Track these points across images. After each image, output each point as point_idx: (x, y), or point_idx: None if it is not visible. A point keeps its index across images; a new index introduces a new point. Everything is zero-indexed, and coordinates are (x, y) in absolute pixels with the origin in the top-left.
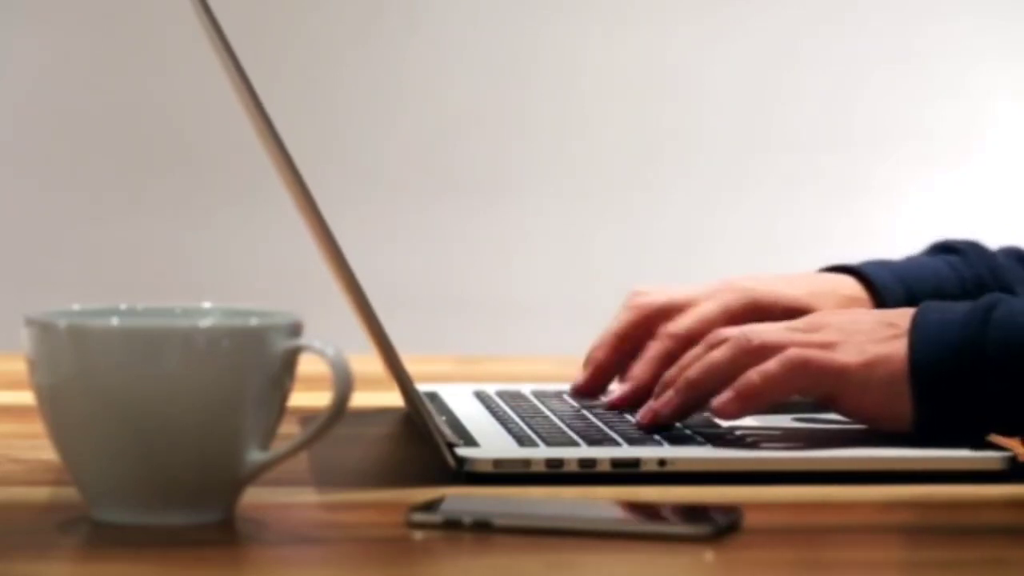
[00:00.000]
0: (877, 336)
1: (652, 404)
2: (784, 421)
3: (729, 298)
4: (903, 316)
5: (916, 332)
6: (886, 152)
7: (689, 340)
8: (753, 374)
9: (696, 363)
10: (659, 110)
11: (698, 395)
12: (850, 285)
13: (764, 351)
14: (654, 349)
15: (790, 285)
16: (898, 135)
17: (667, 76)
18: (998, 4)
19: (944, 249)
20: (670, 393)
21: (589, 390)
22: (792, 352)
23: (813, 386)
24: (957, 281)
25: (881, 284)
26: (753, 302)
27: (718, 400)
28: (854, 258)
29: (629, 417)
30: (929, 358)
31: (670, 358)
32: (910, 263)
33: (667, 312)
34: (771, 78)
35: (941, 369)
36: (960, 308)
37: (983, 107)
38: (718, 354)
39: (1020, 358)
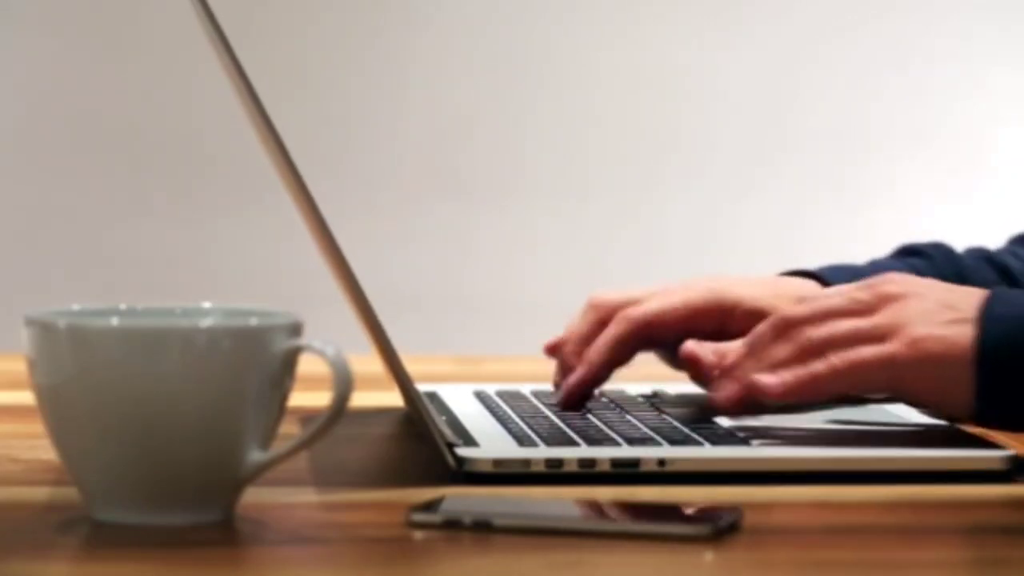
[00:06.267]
0: (937, 319)
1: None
2: (784, 420)
3: (691, 295)
4: (965, 300)
5: (986, 323)
6: (896, 156)
7: (647, 324)
8: (805, 374)
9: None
10: (666, 112)
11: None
12: (812, 289)
13: (829, 343)
14: (611, 331)
15: (753, 287)
16: (909, 139)
17: (676, 78)
18: (1009, 10)
19: (909, 252)
20: (735, 386)
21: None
22: (846, 357)
23: (867, 385)
24: None
25: None
26: (716, 301)
27: (765, 381)
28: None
29: (631, 419)
30: (999, 351)
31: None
32: (874, 267)
33: (627, 308)
34: (782, 82)
35: (1010, 363)
36: None
37: (994, 112)
38: (781, 350)
39: None
